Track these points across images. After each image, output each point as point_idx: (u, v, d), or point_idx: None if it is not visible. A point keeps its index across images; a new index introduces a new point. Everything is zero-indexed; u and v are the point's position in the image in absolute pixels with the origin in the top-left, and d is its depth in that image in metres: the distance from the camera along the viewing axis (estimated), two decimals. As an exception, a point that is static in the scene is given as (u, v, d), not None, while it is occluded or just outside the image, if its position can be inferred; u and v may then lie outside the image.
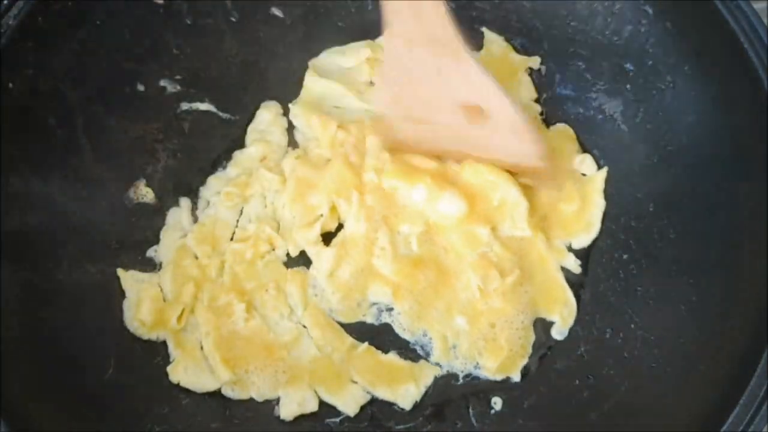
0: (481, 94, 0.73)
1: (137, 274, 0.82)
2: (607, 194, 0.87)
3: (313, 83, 0.92)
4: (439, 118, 0.76)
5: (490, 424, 0.78)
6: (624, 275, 0.83)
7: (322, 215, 0.85)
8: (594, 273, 0.84)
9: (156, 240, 0.85)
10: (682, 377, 0.73)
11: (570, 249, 0.86)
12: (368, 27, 0.95)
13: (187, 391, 0.78)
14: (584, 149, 0.89)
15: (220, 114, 0.91)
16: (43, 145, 0.81)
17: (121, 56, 0.87)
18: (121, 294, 0.82)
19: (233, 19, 0.93)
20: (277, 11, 0.95)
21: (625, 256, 0.84)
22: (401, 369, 0.80)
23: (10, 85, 0.77)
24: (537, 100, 0.92)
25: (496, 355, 0.79)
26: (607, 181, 0.87)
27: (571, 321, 0.82)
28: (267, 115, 0.91)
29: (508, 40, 0.94)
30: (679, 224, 0.82)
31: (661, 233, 0.83)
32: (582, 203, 0.87)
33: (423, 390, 0.79)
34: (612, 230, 0.86)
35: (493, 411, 0.78)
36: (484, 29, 0.94)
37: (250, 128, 0.91)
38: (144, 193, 0.86)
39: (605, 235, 0.86)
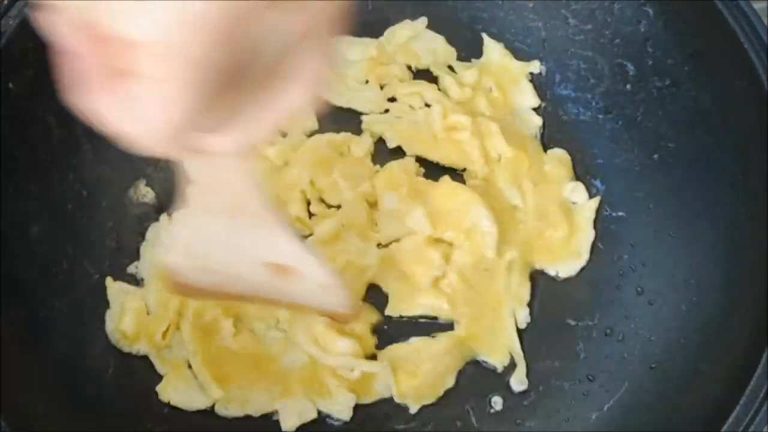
0: (287, 256, 0.69)
1: (124, 285, 0.81)
2: (608, 194, 0.87)
3: None
4: (241, 272, 0.71)
5: (490, 424, 0.78)
6: (624, 275, 0.83)
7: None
8: (594, 273, 0.84)
9: (155, 241, 0.85)
10: (682, 377, 0.73)
11: (557, 277, 0.84)
12: (368, 27, 0.95)
13: (187, 391, 0.78)
14: (584, 149, 0.89)
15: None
16: (43, 145, 0.81)
17: (121, 56, 0.87)
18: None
19: (233, 19, 0.93)
20: (277, 11, 0.94)
21: (624, 256, 0.84)
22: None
23: (10, 85, 0.77)
24: (538, 108, 0.92)
25: (408, 383, 0.78)
26: (608, 180, 0.87)
27: (522, 374, 0.79)
28: None
29: (507, 46, 0.94)
30: (679, 224, 0.82)
31: (661, 233, 0.83)
32: (570, 231, 0.85)
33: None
34: (612, 230, 0.86)
35: (493, 411, 0.78)
36: (483, 35, 0.94)
37: None
38: (144, 193, 0.86)
39: (605, 235, 0.86)
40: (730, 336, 0.71)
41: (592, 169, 0.89)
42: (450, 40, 0.95)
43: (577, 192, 0.88)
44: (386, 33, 0.95)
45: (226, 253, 0.69)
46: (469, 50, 0.95)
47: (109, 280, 0.81)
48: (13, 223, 0.76)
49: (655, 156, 0.85)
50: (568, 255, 0.85)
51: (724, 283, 0.74)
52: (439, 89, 0.91)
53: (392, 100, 0.92)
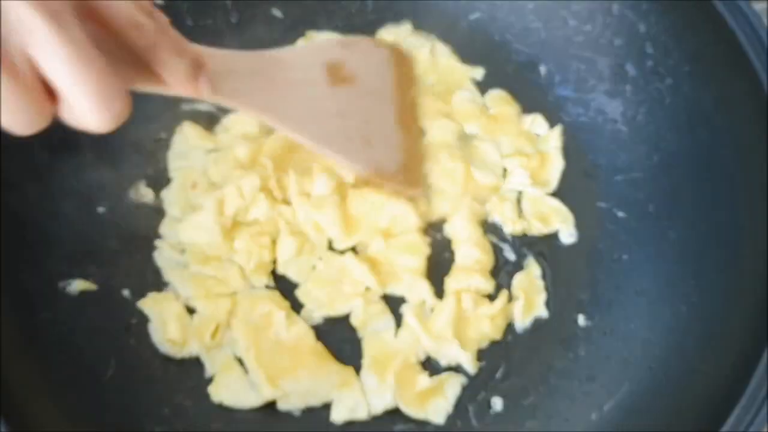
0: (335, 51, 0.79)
1: (156, 295, 0.81)
2: (608, 194, 0.87)
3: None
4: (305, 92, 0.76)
5: (490, 424, 0.78)
6: (624, 275, 0.83)
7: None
8: (594, 273, 0.84)
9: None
10: (682, 377, 0.73)
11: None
12: (368, 27, 0.95)
13: (187, 392, 0.78)
14: (584, 149, 0.89)
15: (220, 114, 0.91)
16: (43, 145, 0.81)
17: (121, 56, 0.87)
18: (121, 294, 0.82)
19: (233, 20, 0.94)
20: (277, 11, 0.95)
21: (624, 257, 0.84)
22: (428, 385, 0.78)
23: (11, 85, 0.77)
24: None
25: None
26: (608, 181, 0.87)
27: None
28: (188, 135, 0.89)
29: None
30: (679, 225, 0.82)
31: (661, 234, 0.83)
32: (541, 162, 0.88)
33: (453, 402, 0.78)
34: (612, 231, 0.86)
35: (493, 411, 0.78)
36: (433, 36, 0.95)
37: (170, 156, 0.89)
38: (144, 193, 0.86)
39: (605, 235, 0.86)
40: (730, 336, 0.71)
41: (593, 170, 0.89)
42: (450, 41, 0.95)
43: (537, 123, 0.90)
44: (376, 36, 0.95)
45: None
46: (469, 51, 0.95)
47: (144, 300, 0.80)
48: (13, 224, 0.76)
49: (655, 156, 0.85)
50: (537, 181, 0.87)
51: (724, 283, 0.74)
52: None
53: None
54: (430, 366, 0.79)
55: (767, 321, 0.67)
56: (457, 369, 0.79)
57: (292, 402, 0.77)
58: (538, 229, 0.86)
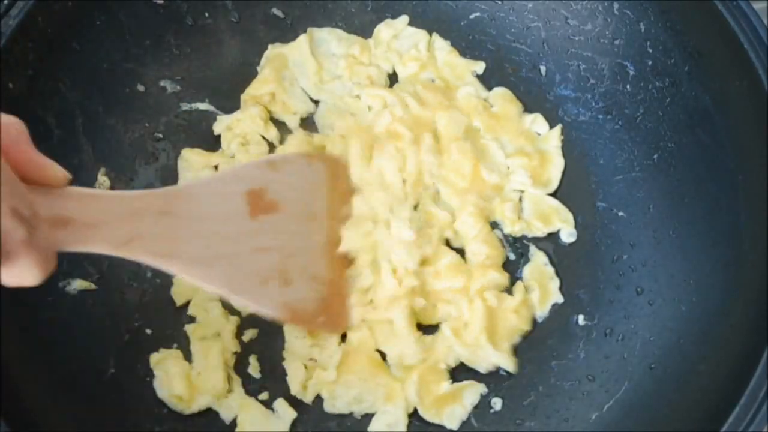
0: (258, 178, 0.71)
1: (165, 351, 0.80)
2: (608, 194, 0.87)
3: (298, 48, 0.93)
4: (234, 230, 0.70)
5: (490, 424, 0.78)
6: (624, 275, 0.83)
7: None
8: (593, 273, 0.84)
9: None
10: (682, 377, 0.73)
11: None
12: (368, 27, 0.95)
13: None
14: (584, 149, 0.89)
15: (220, 114, 0.91)
16: (43, 145, 0.80)
17: (121, 56, 0.87)
18: (121, 294, 0.82)
19: (233, 19, 0.94)
20: (277, 11, 0.95)
21: (624, 256, 0.84)
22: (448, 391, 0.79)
23: (10, 85, 0.77)
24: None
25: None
26: (608, 181, 0.87)
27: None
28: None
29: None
30: (679, 224, 0.82)
31: (661, 234, 0.83)
32: (541, 161, 0.88)
33: (470, 410, 0.78)
34: (612, 230, 0.86)
35: (492, 411, 0.78)
36: (434, 34, 0.95)
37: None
38: (101, 181, 0.85)
39: (605, 235, 0.86)
40: (730, 336, 0.71)
41: (593, 169, 0.89)
42: (450, 40, 0.95)
43: (537, 123, 0.91)
44: (374, 32, 0.95)
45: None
46: (469, 51, 0.95)
47: (153, 356, 0.79)
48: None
49: (655, 156, 0.85)
50: (539, 181, 0.87)
51: (724, 283, 0.74)
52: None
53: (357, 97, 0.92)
54: (455, 373, 0.80)
55: (767, 321, 0.67)
56: (496, 372, 0.80)
57: (338, 407, 0.78)
58: (538, 228, 0.86)
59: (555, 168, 0.89)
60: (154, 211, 0.61)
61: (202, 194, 0.67)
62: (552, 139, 0.90)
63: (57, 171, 0.54)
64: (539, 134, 0.91)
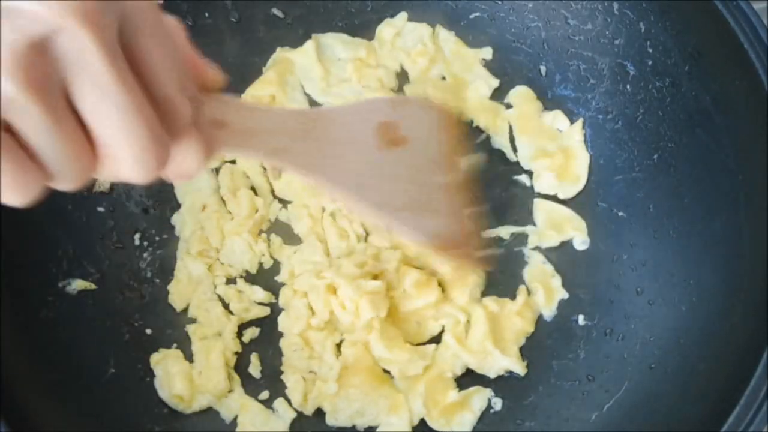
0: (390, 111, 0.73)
1: (166, 351, 0.80)
2: (608, 194, 0.87)
3: (305, 54, 0.92)
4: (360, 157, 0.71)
5: (490, 424, 0.78)
6: (624, 275, 0.83)
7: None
8: (593, 273, 0.84)
9: (154, 240, 0.85)
10: (682, 377, 0.73)
11: (556, 198, 0.87)
12: (368, 27, 0.95)
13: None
14: (586, 149, 0.89)
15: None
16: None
17: (121, 56, 0.87)
18: (121, 294, 0.82)
19: (233, 19, 0.93)
20: (277, 11, 0.95)
21: (624, 256, 0.84)
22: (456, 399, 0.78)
23: (10, 85, 0.77)
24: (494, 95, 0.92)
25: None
26: (608, 181, 0.87)
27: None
28: None
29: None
30: (679, 225, 0.82)
31: (661, 234, 0.83)
32: (565, 158, 0.88)
33: (479, 415, 0.78)
34: (612, 230, 0.86)
35: (492, 411, 0.78)
36: (437, 26, 0.95)
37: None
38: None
39: (605, 235, 0.86)
40: (730, 336, 0.71)
41: (593, 169, 0.89)
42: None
43: (558, 119, 0.91)
44: (376, 33, 0.95)
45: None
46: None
47: (153, 356, 0.80)
48: (13, 224, 0.76)
49: (655, 156, 0.84)
50: (568, 180, 0.87)
51: (724, 283, 0.74)
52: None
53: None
54: (461, 380, 0.80)
55: (767, 321, 0.67)
56: (506, 376, 0.80)
57: (340, 420, 0.77)
58: (551, 237, 0.86)
59: (581, 163, 0.88)
60: (298, 129, 0.63)
61: (337, 119, 0.68)
62: (574, 134, 0.89)
63: (215, 74, 0.54)
64: (560, 131, 0.91)
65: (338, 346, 0.80)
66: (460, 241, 0.73)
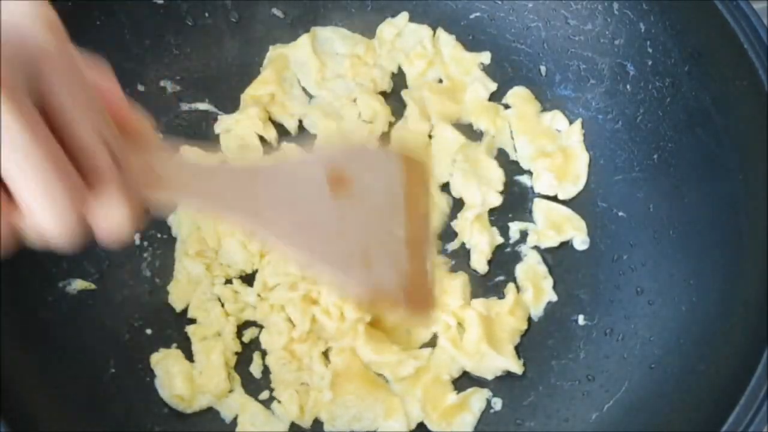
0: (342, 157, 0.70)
1: (166, 351, 0.80)
2: (608, 194, 0.87)
3: (300, 47, 0.92)
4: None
5: (490, 424, 0.78)
6: (624, 275, 0.83)
7: None
8: (593, 273, 0.84)
9: (154, 239, 0.85)
10: (682, 377, 0.73)
11: (556, 198, 0.87)
12: (369, 27, 0.95)
13: (187, 391, 0.78)
14: (585, 150, 0.89)
15: (220, 114, 0.91)
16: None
17: (121, 56, 0.87)
18: (121, 294, 0.82)
19: (233, 19, 0.93)
20: (277, 11, 0.95)
21: (624, 256, 0.84)
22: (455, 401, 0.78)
23: (10, 85, 0.77)
24: (492, 96, 0.92)
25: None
26: (608, 181, 0.87)
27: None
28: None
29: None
30: (679, 225, 0.82)
31: (661, 234, 0.83)
32: (564, 158, 0.88)
33: (479, 416, 0.78)
34: (612, 230, 0.86)
35: (492, 411, 0.78)
36: (438, 29, 0.94)
37: None
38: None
39: (605, 235, 0.86)
40: (730, 336, 0.71)
41: (593, 169, 0.89)
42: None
43: (557, 120, 0.91)
44: (377, 32, 0.95)
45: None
46: (468, 50, 0.95)
47: (153, 356, 0.79)
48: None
49: (655, 156, 0.85)
50: (567, 180, 0.87)
51: (724, 283, 0.74)
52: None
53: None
54: (459, 382, 0.80)
55: (767, 321, 0.67)
56: (505, 376, 0.79)
57: (337, 426, 0.77)
58: (551, 237, 0.86)
59: (581, 163, 0.88)
60: (239, 181, 0.61)
61: (284, 172, 0.66)
62: (573, 134, 0.89)
63: (144, 123, 0.53)
64: (559, 131, 0.91)
65: (325, 355, 0.80)
66: (400, 298, 0.70)
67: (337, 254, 0.67)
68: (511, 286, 0.83)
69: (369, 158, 0.73)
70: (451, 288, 0.81)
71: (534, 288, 0.83)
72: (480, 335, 0.78)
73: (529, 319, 0.83)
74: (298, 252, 0.65)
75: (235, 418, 0.77)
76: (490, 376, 0.79)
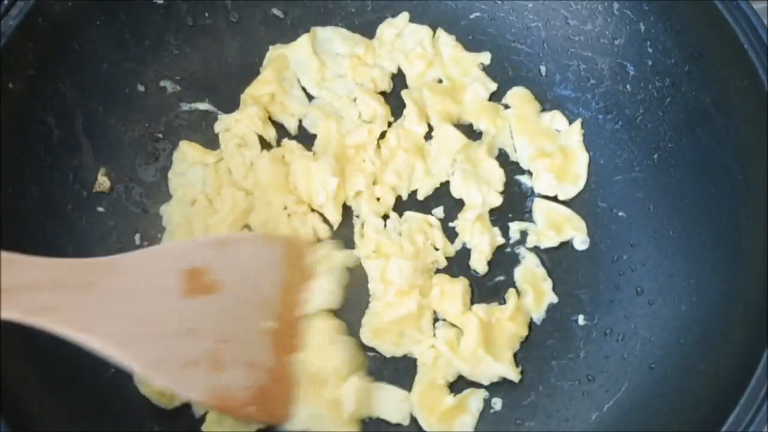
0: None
1: None
2: (608, 194, 0.87)
3: (300, 47, 0.93)
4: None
5: (490, 424, 0.78)
6: (624, 275, 0.83)
7: None
8: (593, 273, 0.84)
9: (154, 239, 0.85)
10: (682, 377, 0.74)
11: (556, 199, 0.87)
12: (368, 27, 0.95)
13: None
14: (585, 150, 0.89)
15: (220, 114, 0.91)
16: (43, 145, 0.81)
17: (121, 56, 0.87)
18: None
19: (233, 19, 0.94)
20: (277, 11, 0.95)
21: (624, 256, 0.84)
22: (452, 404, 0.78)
23: (10, 85, 0.77)
24: (492, 97, 0.92)
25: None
26: (608, 181, 0.87)
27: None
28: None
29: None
30: (679, 225, 0.82)
31: (661, 234, 0.83)
32: (564, 158, 0.88)
33: (477, 416, 0.78)
34: (612, 230, 0.86)
35: (492, 411, 0.78)
36: (438, 29, 0.94)
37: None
38: (101, 182, 0.85)
39: (605, 235, 0.86)
40: (730, 336, 0.71)
41: (593, 169, 0.89)
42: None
43: (556, 120, 0.91)
44: (377, 32, 0.95)
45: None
46: (468, 50, 0.95)
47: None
48: (13, 223, 0.76)
49: (655, 156, 0.85)
50: (567, 180, 0.87)
51: (723, 283, 0.74)
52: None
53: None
54: (455, 385, 0.79)
55: (767, 321, 0.67)
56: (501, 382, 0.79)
57: (295, 425, 0.75)
58: (551, 238, 0.85)
59: (580, 163, 0.89)
60: (78, 282, 0.58)
61: (133, 268, 0.64)
62: (573, 134, 0.89)
63: None
64: (559, 131, 0.91)
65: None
66: (247, 403, 0.69)
67: (179, 362, 0.64)
68: (512, 291, 0.83)
69: (237, 250, 0.70)
70: (452, 293, 0.80)
71: (534, 291, 0.83)
72: (478, 340, 0.78)
73: (530, 323, 0.82)
74: (134, 362, 0.62)
75: (205, 414, 0.77)
76: (486, 382, 0.79)
